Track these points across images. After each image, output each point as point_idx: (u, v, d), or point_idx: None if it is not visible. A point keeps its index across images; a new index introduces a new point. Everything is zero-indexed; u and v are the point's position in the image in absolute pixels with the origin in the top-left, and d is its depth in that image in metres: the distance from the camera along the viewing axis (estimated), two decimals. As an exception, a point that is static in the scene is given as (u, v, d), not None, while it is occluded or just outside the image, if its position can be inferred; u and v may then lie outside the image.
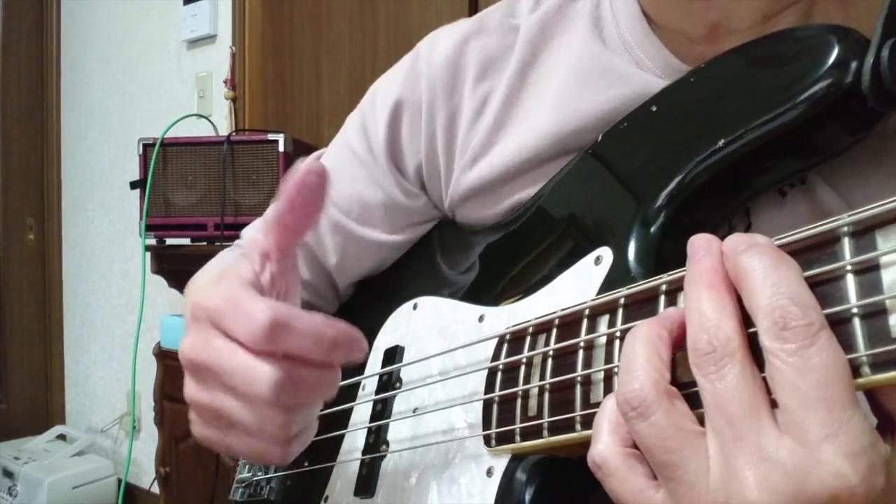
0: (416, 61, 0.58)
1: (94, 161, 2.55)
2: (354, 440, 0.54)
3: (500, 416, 0.41)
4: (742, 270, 0.26)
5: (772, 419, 0.25)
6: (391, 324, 0.58)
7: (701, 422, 0.27)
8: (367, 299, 0.65)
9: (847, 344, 0.25)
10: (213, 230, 1.64)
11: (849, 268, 0.26)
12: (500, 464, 0.41)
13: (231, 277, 0.38)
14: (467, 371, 0.46)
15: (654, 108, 0.44)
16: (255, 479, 0.64)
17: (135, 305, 2.39)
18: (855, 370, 0.24)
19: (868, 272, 0.25)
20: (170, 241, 1.73)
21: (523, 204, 0.51)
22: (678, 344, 0.29)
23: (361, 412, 0.55)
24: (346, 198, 0.60)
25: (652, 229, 0.40)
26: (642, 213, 0.41)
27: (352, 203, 0.60)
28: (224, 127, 2.04)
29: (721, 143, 0.38)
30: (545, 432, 0.37)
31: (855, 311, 0.25)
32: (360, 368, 0.58)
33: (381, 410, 0.53)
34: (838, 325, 0.25)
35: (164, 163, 1.70)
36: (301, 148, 1.64)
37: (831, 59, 0.35)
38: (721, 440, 0.25)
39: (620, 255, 0.41)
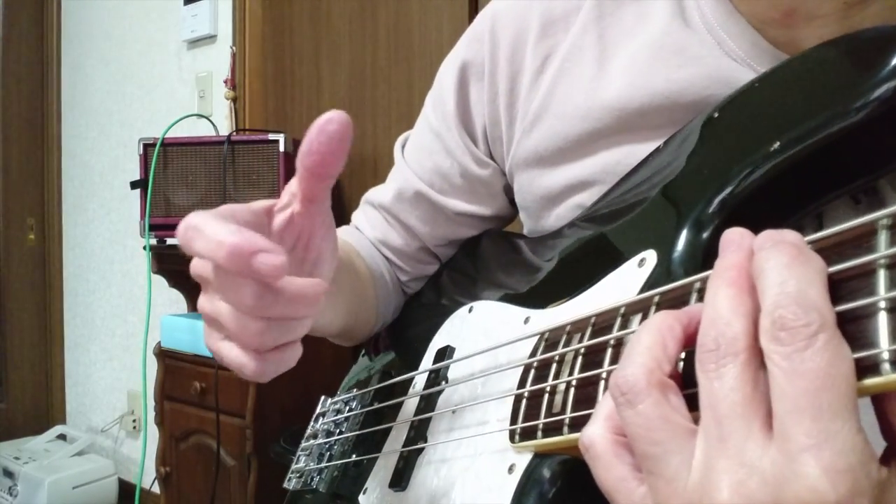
0: (480, 24, 0.58)
1: (94, 161, 2.55)
2: (399, 434, 0.55)
3: (526, 411, 0.41)
4: (758, 268, 0.25)
5: (764, 427, 0.23)
6: (447, 326, 0.60)
7: (696, 421, 0.26)
8: (434, 301, 0.68)
9: (869, 340, 0.23)
10: (214, 230, 1.63)
11: (882, 261, 0.24)
12: (523, 461, 0.40)
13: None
14: (505, 368, 0.46)
15: (715, 115, 0.42)
16: (308, 468, 0.65)
17: (135, 305, 2.39)
18: (873, 367, 0.23)
19: None
20: (170, 241, 1.73)
21: (580, 197, 0.51)
22: (692, 339, 0.28)
23: (408, 407, 0.56)
24: (428, 170, 0.63)
25: (703, 235, 0.39)
26: (694, 218, 0.40)
27: (433, 175, 0.62)
28: (224, 127, 2.04)
29: (777, 145, 0.37)
30: (565, 429, 0.36)
31: (882, 304, 0.23)
32: (415, 366, 0.59)
33: (425, 407, 0.54)
34: (861, 319, 0.23)
35: (165, 163, 1.71)
36: (301, 148, 1.64)
37: None
38: (707, 440, 0.24)
39: (665, 257, 0.40)
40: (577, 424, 0.36)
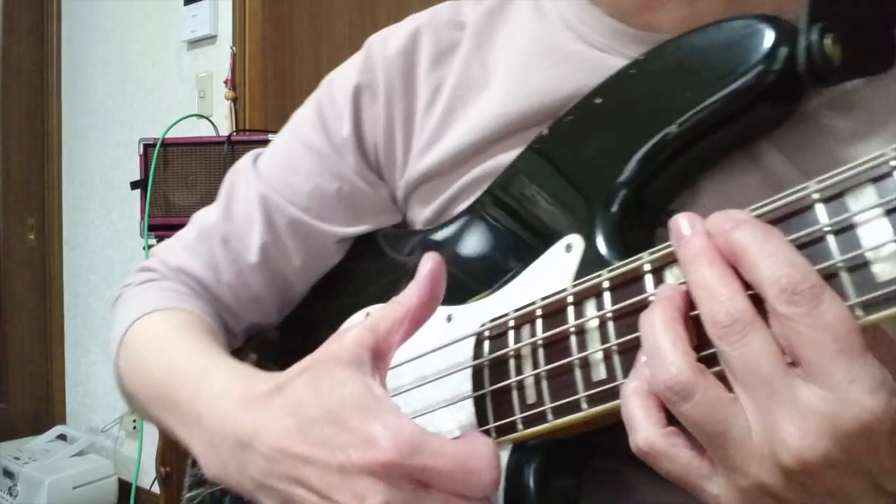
0: (370, 55, 0.58)
1: (94, 161, 2.55)
2: None
3: (496, 409, 0.41)
4: (738, 246, 0.29)
5: (796, 374, 0.28)
6: None
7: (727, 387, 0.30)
8: (314, 314, 0.62)
9: (839, 294, 0.28)
10: (214, 230, 1.64)
11: (827, 229, 0.29)
12: (503, 456, 0.41)
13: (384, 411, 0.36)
14: (447, 373, 0.45)
15: (598, 101, 0.45)
16: (209, 491, 0.61)
17: (135, 305, 2.39)
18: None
19: (846, 231, 0.29)
20: (170, 242, 1.73)
21: (473, 196, 0.51)
22: (686, 321, 0.31)
23: None
24: (306, 194, 0.58)
25: (615, 213, 0.42)
26: (604, 200, 0.43)
27: (311, 199, 0.58)
28: (224, 127, 2.04)
29: (673, 128, 0.41)
30: (550, 416, 0.38)
31: (840, 265, 0.29)
32: None
33: None
34: (828, 279, 0.28)
35: (165, 163, 1.71)
36: (301, 148, 1.64)
37: (769, 45, 0.38)
38: (756, 400, 0.28)
39: (590, 241, 0.42)
40: (562, 411, 0.38)
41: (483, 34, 0.55)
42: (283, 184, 0.59)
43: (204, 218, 0.62)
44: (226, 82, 2.05)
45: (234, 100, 2.04)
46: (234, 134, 1.76)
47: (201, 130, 2.02)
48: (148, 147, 1.72)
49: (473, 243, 0.50)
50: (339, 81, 0.60)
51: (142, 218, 1.72)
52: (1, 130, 2.61)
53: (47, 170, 2.69)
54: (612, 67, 0.46)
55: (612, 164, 0.43)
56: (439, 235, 0.53)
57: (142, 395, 0.54)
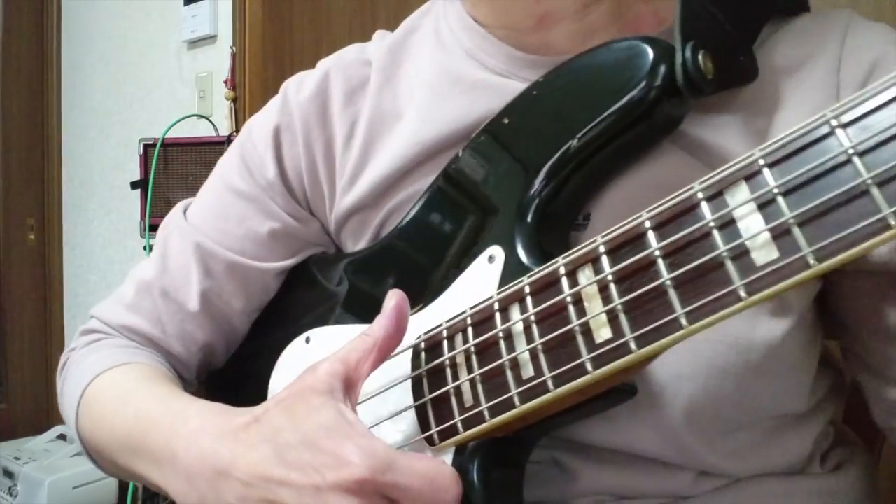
0: (286, 100, 0.60)
1: (94, 161, 2.55)
2: None
3: (437, 415, 0.44)
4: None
5: None
6: (286, 362, 0.57)
7: None
8: (252, 345, 0.64)
9: (724, 280, 0.32)
10: (214, 230, 1.64)
11: (712, 224, 0.33)
12: (447, 459, 0.44)
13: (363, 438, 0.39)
14: (389, 387, 0.47)
15: (505, 121, 0.50)
16: None
17: (135, 305, 2.39)
18: (736, 299, 0.32)
19: (728, 225, 0.33)
20: (170, 241, 1.73)
21: (398, 221, 0.54)
22: None
23: None
24: (239, 238, 0.60)
25: (530, 223, 0.46)
26: (519, 211, 0.47)
27: (245, 242, 0.60)
28: (224, 127, 2.04)
29: (574, 141, 0.45)
30: (487, 416, 0.41)
31: (725, 254, 0.33)
32: None
33: None
34: (716, 268, 0.33)
35: (165, 163, 1.71)
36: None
37: (649, 64, 0.43)
38: None
39: (511, 250, 0.46)
40: (498, 410, 0.41)
41: (389, 68, 0.58)
42: (216, 230, 0.60)
43: (142, 274, 0.63)
44: (226, 82, 2.05)
45: (234, 100, 2.04)
46: (234, 134, 1.76)
47: (201, 130, 2.02)
48: (148, 147, 1.72)
49: (402, 262, 0.54)
50: (259, 126, 0.61)
51: (142, 218, 1.72)
52: (1, 130, 2.61)
53: (47, 170, 2.69)
54: (515, 90, 0.50)
55: (523, 178, 0.47)
56: (369, 258, 0.56)
57: (109, 450, 0.55)
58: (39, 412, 2.70)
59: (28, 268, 2.68)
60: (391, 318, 0.43)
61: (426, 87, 0.56)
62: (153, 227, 1.72)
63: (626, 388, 0.42)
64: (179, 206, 0.65)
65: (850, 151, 0.29)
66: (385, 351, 0.43)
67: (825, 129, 0.31)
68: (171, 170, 1.71)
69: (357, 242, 0.59)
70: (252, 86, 2.06)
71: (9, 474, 2.27)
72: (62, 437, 2.51)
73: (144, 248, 1.77)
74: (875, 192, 0.29)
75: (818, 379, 0.52)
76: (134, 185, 1.74)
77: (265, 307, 0.63)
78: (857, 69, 0.47)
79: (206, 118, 2.05)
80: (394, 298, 0.44)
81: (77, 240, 2.64)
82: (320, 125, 0.59)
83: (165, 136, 1.71)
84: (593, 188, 0.48)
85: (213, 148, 1.68)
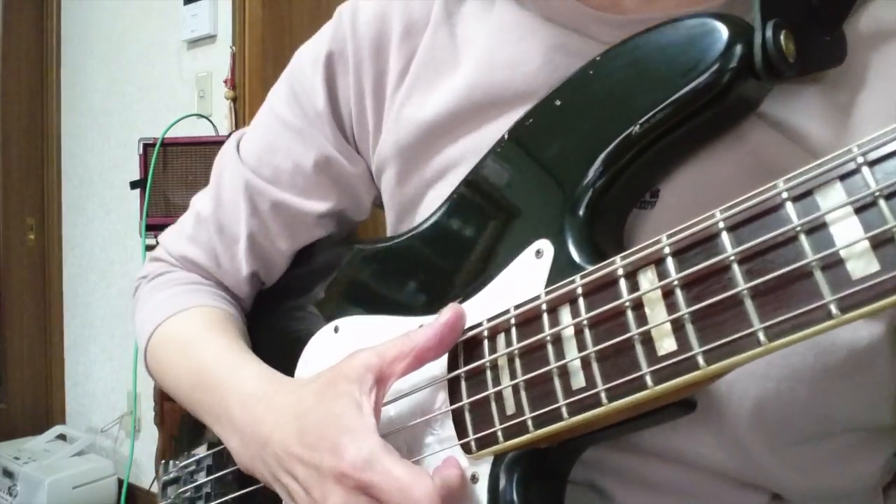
0: (340, 25, 0.57)
1: (93, 161, 2.55)
2: None
3: (475, 422, 0.41)
4: None
5: None
6: (312, 352, 0.56)
7: None
8: (277, 330, 0.63)
9: (812, 292, 0.29)
10: (214, 230, 1.64)
11: (799, 228, 0.29)
12: (484, 468, 0.41)
13: (352, 420, 0.40)
14: (423, 386, 0.44)
15: (558, 103, 0.45)
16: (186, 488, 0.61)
17: (135, 305, 2.39)
18: (826, 315, 0.28)
19: (819, 230, 0.29)
20: (170, 241, 1.73)
21: (439, 205, 0.51)
22: None
23: None
24: (286, 172, 0.59)
25: (583, 216, 0.42)
26: (571, 203, 0.42)
27: (293, 176, 0.59)
28: (224, 127, 2.04)
29: (635, 128, 0.40)
30: (531, 427, 0.38)
31: (815, 264, 0.29)
32: None
33: None
34: (804, 278, 0.29)
35: (165, 163, 1.71)
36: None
37: (724, 44, 0.38)
38: None
39: (560, 245, 0.42)
40: (543, 421, 0.37)
41: (451, 5, 0.54)
42: (264, 164, 0.60)
43: (200, 205, 0.65)
44: (225, 82, 2.05)
45: (234, 99, 2.04)
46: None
47: (201, 130, 2.02)
48: (147, 147, 1.72)
49: (443, 250, 0.50)
50: (310, 53, 0.59)
51: (141, 218, 1.72)
52: (1, 130, 2.61)
53: (47, 170, 2.69)
54: (577, 44, 0.47)
55: (576, 168, 0.43)
56: (404, 246, 0.52)
57: (176, 394, 0.59)
58: (39, 412, 2.70)
59: (28, 268, 2.68)
60: (438, 331, 0.42)
61: (485, 32, 0.51)
62: (152, 227, 1.71)
63: (684, 401, 0.37)
64: (234, 136, 0.65)
65: None
66: (422, 360, 0.42)
67: None
68: (171, 169, 1.71)
69: (399, 192, 0.55)
70: (252, 85, 2.06)
71: (9, 474, 2.27)
72: (62, 437, 2.51)
73: (143, 247, 1.77)
74: None
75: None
76: (133, 185, 1.74)
77: (290, 290, 0.63)
78: None
79: (206, 118, 2.04)
80: (448, 313, 0.42)
81: (77, 239, 2.64)
82: (374, 56, 0.55)
83: (165, 136, 1.71)
84: (660, 169, 0.43)
85: (212, 148, 1.68)
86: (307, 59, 0.59)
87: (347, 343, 0.52)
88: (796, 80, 0.40)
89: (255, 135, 0.62)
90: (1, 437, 2.53)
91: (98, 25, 2.52)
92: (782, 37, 0.37)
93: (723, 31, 0.38)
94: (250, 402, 0.48)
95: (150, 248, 1.76)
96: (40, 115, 2.68)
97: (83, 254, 2.62)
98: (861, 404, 0.44)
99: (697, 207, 0.34)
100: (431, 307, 0.47)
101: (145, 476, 2.30)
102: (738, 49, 0.38)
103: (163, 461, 0.66)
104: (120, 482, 2.36)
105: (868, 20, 0.42)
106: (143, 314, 0.63)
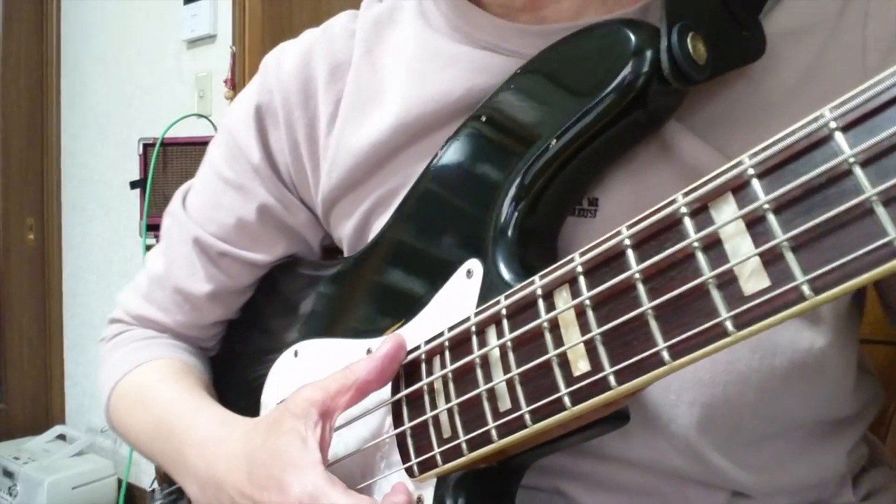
0: (266, 77, 0.58)
1: (93, 161, 2.54)
2: None
3: (416, 445, 0.41)
4: None
5: None
6: (274, 377, 0.57)
7: None
8: (240, 358, 0.63)
9: (709, 310, 0.28)
10: (213, 230, 1.64)
11: (696, 245, 0.29)
12: (429, 491, 0.41)
13: (308, 467, 0.41)
14: (371, 410, 0.45)
15: (483, 118, 0.45)
16: None
17: (135, 305, 2.38)
18: (723, 332, 0.28)
19: (714, 246, 0.28)
20: (169, 242, 1.73)
21: (378, 232, 0.51)
22: None
23: None
24: (231, 227, 0.60)
25: (509, 233, 0.42)
26: (496, 221, 0.42)
27: (239, 231, 0.60)
28: (224, 127, 2.04)
29: (552, 142, 0.40)
30: (465, 450, 0.38)
31: (711, 281, 0.28)
32: None
33: None
34: (701, 296, 0.29)
35: (165, 163, 1.71)
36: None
37: (631, 52, 0.38)
38: None
39: (490, 264, 0.42)
40: (476, 444, 0.38)
41: (371, 41, 0.55)
42: (210, 221, 0.61)
43: (152, 264, 0.65)
44: (225, 82, 2.05)
45: (234, 100, 2.04)
46: (234, 134, 1.76)
47: (201, 130, 2.02)
48: (147, 147, 1.72)
49: (384, 273, 0.50)
50: (241, 108, 0.60)
51: (141, 218, 1.72)
52: (1, 130, 2.61)
53: (46, 170, 2.68)
54: (498, 64, 0.47)
55: (500, 184, 0.42)
56: (352, 268, 0.53)
57: (138, 447, 0.61)
58: (39, 412, 2.70)
59: (27, 267, 2.68)
60: (378, 363, 0.42)
61: (408, 63, 0.52)
62: (151, 227, 1.71)
63: (616, 414, 0.38)
64: (180, 191, 0.66)
65: (851, 160, 0.24)
66: (364, 391, 0.43)
67: (824, 132, 0.25)
68: (171, 169, 1.71)
69: (345, 226, 0.56)
70: (252, 86, 2.06)
71: (8, 474, 2.27)
72: (62, 437, 2.51)
73: (143, 247, 1.77)
74: (880, 211, 0.24)
75: (851, 386, 0.48)
76: (133, 185, 1.74)
77: (252, 317, 0.64)
78: (888, 24, 0.39)
79: (206, 118, 2.04)
80: (388, 345, 0.42)
81: (76, 239, 2.64)
82: (303, 104, 0.56)
83: (165, 136, 1.71)
84: (589, 179, 0.43)
85: (212, 148, 1.69)
86: (239, 115, 0.60)
87: (307, 366, 0.53)
88: (717, 80, 0.40)
89: (199, 191, 0.64)
90: (1, 437, 2.53)
91: (98, 25, 2.52)
92: (689, 39, 0.37)
93: (630, 38, 0.38)
94: (204, 448, 0.50)
95: (150, 248, 1.76)
96: (40, 115, 2.68)
97: (82, 254, 2.61)
98: (818, 400, 0.45)
99: (638, 214, 0.33)
100: (380, 330, 0.48)
101: (145, 476, 2.30)
102: (647, 55, 0.37)
103: (151, 490, 0.70)
104: (119, 482, 2.36)
105: (788, 12, 0.41)
106: (104, 375, 0.65)
